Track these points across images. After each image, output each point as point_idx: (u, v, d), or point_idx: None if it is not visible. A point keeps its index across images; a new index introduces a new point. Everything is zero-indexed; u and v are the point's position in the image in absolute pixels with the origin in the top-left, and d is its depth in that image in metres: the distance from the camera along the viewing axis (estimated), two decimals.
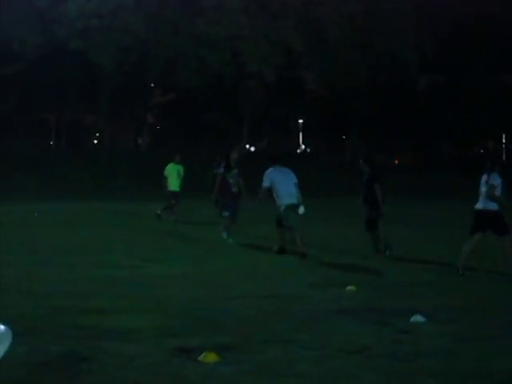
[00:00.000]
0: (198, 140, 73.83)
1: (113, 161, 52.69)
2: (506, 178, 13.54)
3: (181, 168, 25.02)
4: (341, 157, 76.99)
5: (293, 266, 13.99)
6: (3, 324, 3.45)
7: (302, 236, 15.72)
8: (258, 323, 8.64)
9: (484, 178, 13.27)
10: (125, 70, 61.83)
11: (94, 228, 20.94)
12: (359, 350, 7.38)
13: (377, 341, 7.80)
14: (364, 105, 69.99)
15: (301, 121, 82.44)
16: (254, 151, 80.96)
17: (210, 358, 6.90)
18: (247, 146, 76.00)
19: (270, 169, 16.32)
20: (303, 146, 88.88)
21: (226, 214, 18.32)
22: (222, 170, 18.97)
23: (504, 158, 76.19)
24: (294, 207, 15.81)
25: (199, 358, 6.90)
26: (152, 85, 71.76)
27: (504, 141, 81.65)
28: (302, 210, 15.88)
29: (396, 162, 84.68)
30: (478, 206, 13.45)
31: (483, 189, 13.20)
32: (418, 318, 8.86)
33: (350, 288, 11.11)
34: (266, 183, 16.14)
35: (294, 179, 16.21)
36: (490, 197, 13.02)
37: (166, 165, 25.17)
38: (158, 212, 24.36)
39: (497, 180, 13.08)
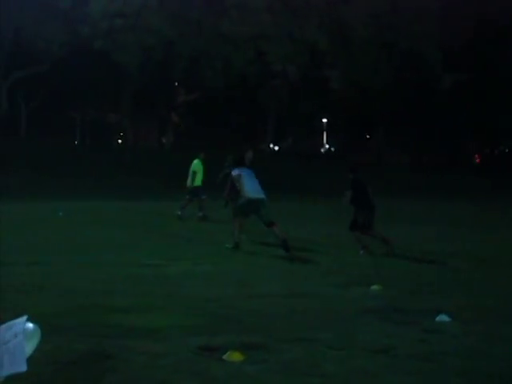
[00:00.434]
0: (222, 139, 73.85)
1: (136, 160, 52.85)
2: None
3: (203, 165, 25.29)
4: (365, 156, 76.76)
5: (316, 265, 13.97)
6: (32, 322, 3.48)
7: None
8: (282, 322, 8.64)
9: None
10: (149, 70, 61.96)
11: (118, 227, 21.02)
12: (384, 350, 7.36)
13: (402, 340, 7.77)
14: (388, 104, 69.74)
15: (325, 120, 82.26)
16: (279, 150, 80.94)
17: (235, 356, 6.90)
18: (271, 145, 75.96)
19: (238, 169, 17.13)
20: (327, 146, 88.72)
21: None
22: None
23: None
24: (256, 202, 16.48)
25: (224, 357, 6.90)
26: (176, 84, 71.89)
27: None
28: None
29: (477, 161, 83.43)
30: None
31: None
32: (443, 318, 8.82)
33: (374, 287, 11.09)
34: (235, 175, 17.00)
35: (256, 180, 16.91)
36: None
37: (189, 163, 25.32)
38: (179, 213, 24.46)
39: None
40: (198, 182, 24.87)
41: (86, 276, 12.00)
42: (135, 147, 66.18)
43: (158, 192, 41.02)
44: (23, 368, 3.32)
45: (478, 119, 71.05)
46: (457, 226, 23.28)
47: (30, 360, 3.65)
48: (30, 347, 3.42)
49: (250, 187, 16.67)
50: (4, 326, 3.48)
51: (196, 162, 25.27)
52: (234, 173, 17.16)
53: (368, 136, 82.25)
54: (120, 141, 75.95)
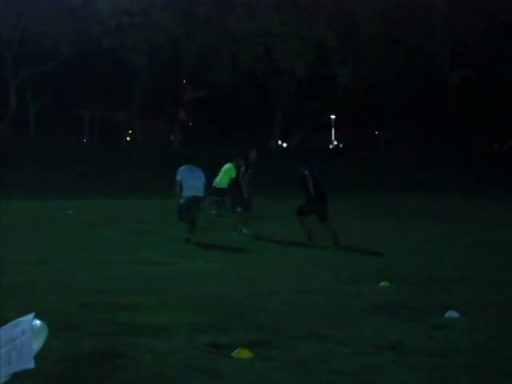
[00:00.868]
0: (230, 136, 73.88)
1: (145, 158, 52.87)
2: None
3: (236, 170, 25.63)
4: (373, 152, 76.69)
5: (325, 262, 13.96)
6: (39, 319, 3.49)
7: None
8: (291, 319, 8.64)
9: None
10: (157, 67, 62.01)
11: (127, 224, 21.05)
12: (393, 346, 7.36)
13: (410, 337, 7.77)
14: (396, 100, 69.64)
15: (333, 116, 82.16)
16: (287, 147, 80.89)
17: (244, 354, 6.91)
18: (279, 142, 75.92)
19: (183, 167, 18.52)
20: (335, 142, 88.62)
21: (239, 209, 19.32)
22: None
23: None
24: (195, 199, 18.01)
25: (232, 354, 6.91)
26: (184, 81, 71.95)
27: None
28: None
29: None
30: None
31: None
32: (451, 314, 8.81)
33: (383, 284, 11.08)
34: (177, 177, 18.44)
35: (201, 178, 18.39)
36: None
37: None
38: (214, 212, 24.76)
39: None
40: (225, 183, 25.02)
41: (94, 274, 12.03)
42: (144, 145, 66.28)
43: (166, 190, 41.02)
44: (31, 365, 3.34)
45: (486, 115, 70.86)
46: (465, 223, 23.23)
47: (39, 358, 3.66)
48: (37, 344, 3.43)
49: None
50: (11, 323, 3.50)
51: (230, 165, 25.41)
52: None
53: (376, 132, 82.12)
54: (128, 139, 76.04)
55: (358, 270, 12.72)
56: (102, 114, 75.41)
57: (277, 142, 72.55)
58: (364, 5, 61.99)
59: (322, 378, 6.30)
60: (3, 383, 3.43)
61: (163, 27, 56.94)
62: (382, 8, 62.88)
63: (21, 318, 3.48)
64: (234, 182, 19.60)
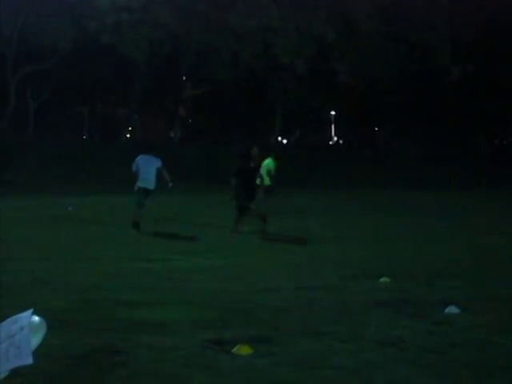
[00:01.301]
0: (230, 133, 73.84)
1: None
2: None
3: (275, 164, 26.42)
4: (373, 149, 76.66)
5: (325, 258, 13.95)
6: (38, 316, 3.48)
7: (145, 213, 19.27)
8: (291, 315, 8.63)
9: None
10: (156, 64, 62.03)
11: (127, 221, 21.03)
12: (394, 342, 7.35)
13: (411, 333, 7.75)
14: (396, 96, 69.62)
15: (333, 113, 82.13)
16: (287, 143, 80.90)
17: (244, 350, 6.90)
18: (279, 139, 75.91)
19: (140, 156, 19.74)
20: (335, 138, 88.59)
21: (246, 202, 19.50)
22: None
23: None
24: (145, 191, 19.30)
25: (233, 351, 6.90)
26: (184, 78, 71.92)
27: None
28: (170, 185, 19.66)
29: None
30: None
31: None
32: (452, 310, 8.79)
33: (383, 280, 11.07)
34: (133, 168, 19.61)
35: (156, 164, 19.45)
36: None
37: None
38: (265, 204, 25.13)
39: None
40: (268, 181, 25.56)
41: (94, 271, 12.02)
42: (143, 141, 66.29)
43: (166, 186, 41.01)
44: (29, 361, 3.32)
45: (486, 110, 70.81)
46: (466, 218, 23.24)
47: (39, 354, 3.65)
48: (35, 340, 3.42)
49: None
50: (10, 319, 3.49)
51: (269, 161, 25.92)
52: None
53: (376, 128, 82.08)
54: (128, 135, 76.03)
55: (359, 266, 12.71)
56: (102, 110, 75.45)
57: (277, 139, 72.53)
58: (363, 0, 61.96)
59: (323, 374, 6.29)
60: (3, 379, 3.42)
61: (163, 23, 56.93)
62: (382, 3, 62.87)
63: (19, 315, 3.47)
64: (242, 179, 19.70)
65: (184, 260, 13.47)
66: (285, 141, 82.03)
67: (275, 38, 60.26)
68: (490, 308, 9.07)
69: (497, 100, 68.87)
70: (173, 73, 66.88)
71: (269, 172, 25.55)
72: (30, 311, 3.47)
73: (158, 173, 19.58)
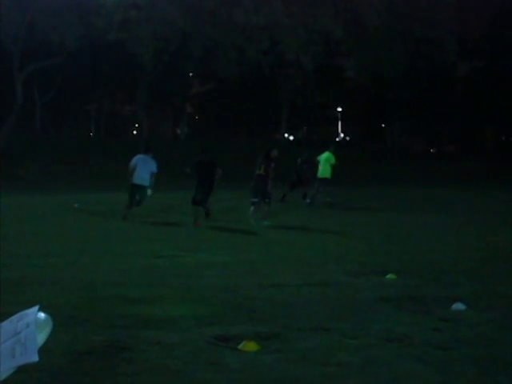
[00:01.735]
0: (237, 129, 73.85)
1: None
2: None
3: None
4: (380, 145, 76.63)
5: (331, 254, 13.95)
6: (44, 312, 3.48)
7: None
8: (297, 311, 8.63)
9: None
10: (163, 61, 62.04)
11: (133, 217, 21.06)
12: (399, 339, 7.35)
13: (417, 329, 7.75)
14: (403, 92, 69.55)
15: (340, 109, 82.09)
16: (294, 140, 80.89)
17: (250, 346, 6.90)
18: (286, 135, 75.92)
19: (138, 155, 21.51)
20: (342, 135, 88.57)
21: (255, 200, 20.26)
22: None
23: None
24: (140, 187, 20.84)
25: (239, 347, 6.90)
26: (190, 75, 71.94)
27: None
28: (149, 192, 21.01)
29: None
30: None
31: None
32: (458, 306, 8.79)
33: (389, 276, 11.07)
34: (131, 164, 21.28)
35: (152, 168, 21.08)
36: None
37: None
38: (328, 199, 25.55)
39: None
40: (328, 173, 25.96)
41: (101, 267, 12.04)
42: (150, 138, 66.32)
43: (172, 183, 41.04)
44: (35, 358, 3.33)
45: (494, 106, 70.71)
46: (472, 214, 23.20)
47: (45, 351, 3.66)
48: (41, 337, 3.42)
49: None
50: (16, 316, 3.49)
51: (328, 154, 26.33)
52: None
53: (383, 125, 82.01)
54: (135, 132, 76.09)
55: (365, 263, 12.71)
56: (109, 107, 75.52)
57: (283, 135, 72.55)
58: None
59: (329, 371, 6.30)
60: (8, 376, 3.42)
61: (170, 20, 56.94)
62: None
63: (25, 311, 3.47)
64: (260, 175, 20.19)
65: (191, 256, 13.48)
66: (291, 137, 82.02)
67: (282, 35, 60.21)
68: (496, 305, 9.06)
69: (504, 96, 68.75)
70: (180, 70, 66.94)
71: (331, 165, 26.16)
72: (36, 308, 3.47)
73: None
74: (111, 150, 53.58)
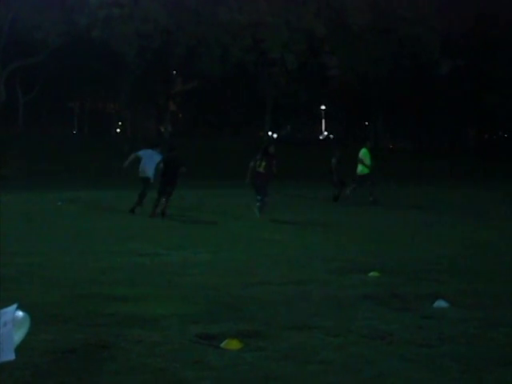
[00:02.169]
0: (220, 127, 73.81)
1: (135, 149, 52.56)
2: None
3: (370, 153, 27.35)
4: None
5: (314, 252, 13.95)
6: (23, 311, 3.46)
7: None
8: (280, 309, 8.63)
9: None
10: (147, 58, 61.90)
11: (117, 216, 21.02)
12: (382, 336, 7.35)
13: (400, 327, 7.76)
14: (387, 90, 69.68)
15: (323, 107, 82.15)
16: (277, 138, 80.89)
17: (233, 344, 6.89)
18: (270, 133, 75.92)
19: (143, 150, 22.65)
20: (326, 133, 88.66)
21: (260, 197, 20.75)
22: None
23: None
24: (142, 179, 22.05)
25: (222, 345, 6.89)
26: (174, 73, 71.80)
27: None
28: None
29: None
30: None
31: None
32: (441, 304, 8.80)
33: (372, 274, 11.08)
34: (136, 154, 22.49)
35: (157, 159, 21.98)
36: None
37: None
38: (371, 199, 25.94)
39: None
40: (366, 169, 26.05)
41: (84, 265, 12.00)
42: (134, 136, 66.19)
43: (156, 181, 40.94)
44: (11, 357, 3.30)
45: (476, 104, 70.97)
46: (456, 212, 23.26)
47: (28, 349, 3.63)
48: (19, 335, 3.40)
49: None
50: None
51: (364, 150, 26.41)
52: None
53: (367, 123, 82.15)
54: (118, 130, 75.90)
55: (348, 261, 12.71)
56: (92, 105, 75.29)
57: (267, 133, 72.52)
58: None
59: (312, 368, 6.29)
60: None
61: (153, 18, 56.80)
62: None
63: (3, 310, 3.44)
64: (260, 173, 20.40)
65: (174, 255, 13.45)
66: (275, 135, 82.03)
67: (265, 33, 60.13)
68: (479, 302, 9.08)
69: (487, 94, 69.01)
70: (163, 67, 66.79)
71: (368, 160, 26.37)
72: (14, 306, 3.44)
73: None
74: (94, 148, 53.41)
